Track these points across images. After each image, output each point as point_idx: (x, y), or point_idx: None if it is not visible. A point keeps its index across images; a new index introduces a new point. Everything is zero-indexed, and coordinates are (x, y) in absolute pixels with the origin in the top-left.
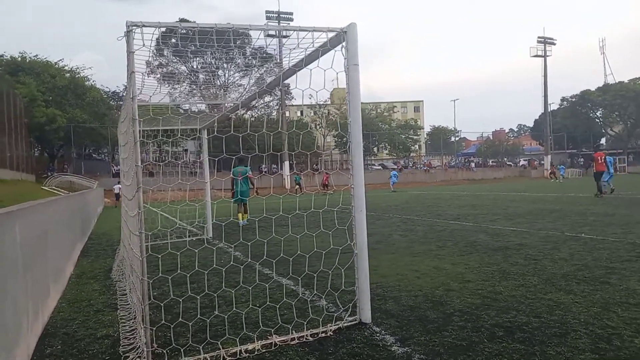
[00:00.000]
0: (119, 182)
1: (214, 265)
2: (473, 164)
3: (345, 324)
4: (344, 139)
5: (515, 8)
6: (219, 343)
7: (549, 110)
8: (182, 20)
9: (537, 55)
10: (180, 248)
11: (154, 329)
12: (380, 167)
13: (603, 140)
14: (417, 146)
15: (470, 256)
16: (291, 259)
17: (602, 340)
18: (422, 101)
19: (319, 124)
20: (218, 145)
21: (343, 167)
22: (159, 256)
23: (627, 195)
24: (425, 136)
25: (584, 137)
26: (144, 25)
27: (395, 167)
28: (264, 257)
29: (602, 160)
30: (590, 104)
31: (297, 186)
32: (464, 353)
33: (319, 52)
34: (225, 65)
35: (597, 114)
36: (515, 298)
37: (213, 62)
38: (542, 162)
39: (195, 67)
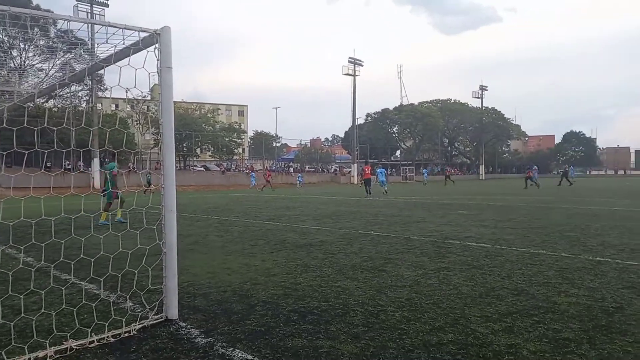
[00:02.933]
0: None
1: None
2: (292, 169)
3: (151, 322)
4: None
5: (333, 28)
6: (2, 353)
7: (356, 123)
8: None
9: (347, 74)
10: None
11: None
12: (202, 169)
13: (398, 153)
14: (240, 149)
15: (279, 253)
16: (92, 260)
17: (372, 316)
18: (247, 106)
19: (136, 120)
20: (9, 137)
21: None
22: None
23: (411, 199)
24: (249, 140)
25: (384, 149)
26: None
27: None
28: (61, 260)
29: (369, 171)
30: (388, 121)
31: (148, 185)
32: (262, 337)
33: (130, 50)
34: (22, 45)
35: (394, 129)
36: (312, 287)
37: (6, 40)
38: (350, 169)
39: None
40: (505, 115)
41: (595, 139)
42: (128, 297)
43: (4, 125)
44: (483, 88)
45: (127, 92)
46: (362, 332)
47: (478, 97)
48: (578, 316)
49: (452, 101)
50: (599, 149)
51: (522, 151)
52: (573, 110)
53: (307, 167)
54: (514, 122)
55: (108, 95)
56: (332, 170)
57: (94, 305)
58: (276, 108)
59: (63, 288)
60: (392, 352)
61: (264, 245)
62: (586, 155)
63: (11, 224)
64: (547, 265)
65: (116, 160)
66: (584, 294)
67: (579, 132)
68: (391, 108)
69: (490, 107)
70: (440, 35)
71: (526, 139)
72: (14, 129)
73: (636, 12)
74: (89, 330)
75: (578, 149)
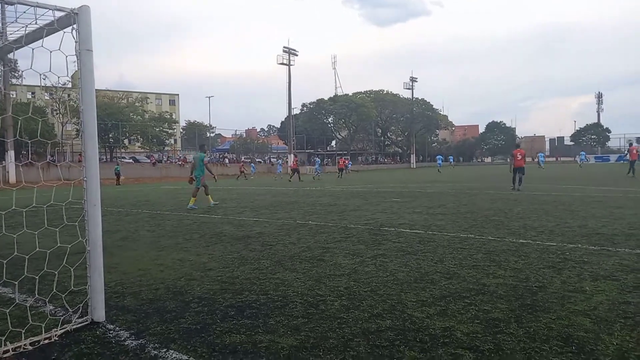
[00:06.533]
0: None
1: None
2: (227, 160)
3: (74, 326)
4: None
5: (267, 16)
6: None
7: (292, 114)
8: None
9: (282, 64)
10: None
11: None
12: (131, 161)
13: (333, 143)
14: (172, 140)
15: (215, 246)
16: (5, 261)
17: (312, 307)
18: (178, 95)
19: (56, 109)
20: None
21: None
22: None
23: (348, 188)
24: (181, 131)
25: (320, 139)
26: None
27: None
28: None
29: (294, 162)
30: (324, 111)
31: (116, 177)
32: (197, 335)
33: (43, 30)
34: None
35: (330, 120)
36: (250, 280)
37: None
38: (287, 160)
39: None
40: (434, 106)
41: (515, 128)
42: (48, 300)
43: None
44: (413, 79)
45: (43, 78)
46: (301, 323)
47: (409, 89)
48: (505, 296)
49: (385, 92)
50: (518, 137)
51: (450, 140)
52: (495, 102)
53: (242, 157)
54: (442, 113)
55: (23, 83)
56: (268, 161)
57: (7, 311)
58: (209, 97)
59: None
60: (332, 342)
61: (199, 239)
62: (507, 144)
63: None
64: (476, 249)
65: (30, 152)
66: (510, 275)
67: (500, 122)
68: (326, 98)
69: (420, 98)
70: (372, 27)
71: (453, 128)
72: None
73: (542, 12)
74: (3, 338)
75: (500, 138)
